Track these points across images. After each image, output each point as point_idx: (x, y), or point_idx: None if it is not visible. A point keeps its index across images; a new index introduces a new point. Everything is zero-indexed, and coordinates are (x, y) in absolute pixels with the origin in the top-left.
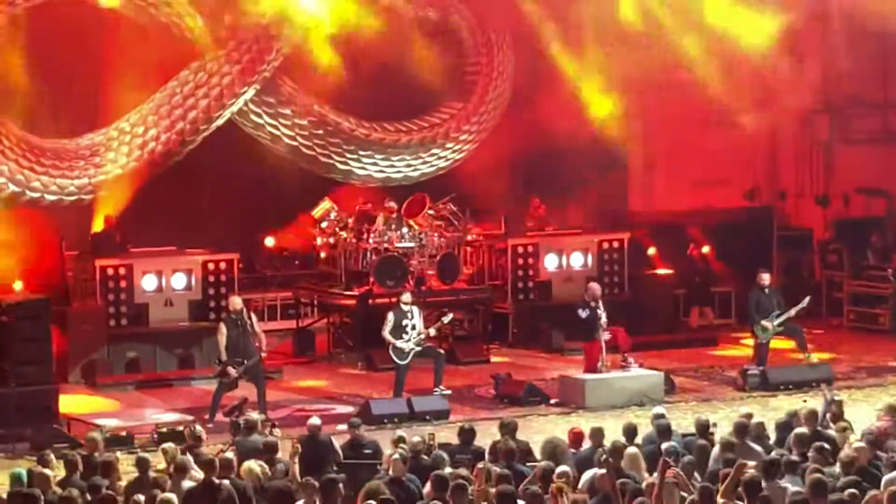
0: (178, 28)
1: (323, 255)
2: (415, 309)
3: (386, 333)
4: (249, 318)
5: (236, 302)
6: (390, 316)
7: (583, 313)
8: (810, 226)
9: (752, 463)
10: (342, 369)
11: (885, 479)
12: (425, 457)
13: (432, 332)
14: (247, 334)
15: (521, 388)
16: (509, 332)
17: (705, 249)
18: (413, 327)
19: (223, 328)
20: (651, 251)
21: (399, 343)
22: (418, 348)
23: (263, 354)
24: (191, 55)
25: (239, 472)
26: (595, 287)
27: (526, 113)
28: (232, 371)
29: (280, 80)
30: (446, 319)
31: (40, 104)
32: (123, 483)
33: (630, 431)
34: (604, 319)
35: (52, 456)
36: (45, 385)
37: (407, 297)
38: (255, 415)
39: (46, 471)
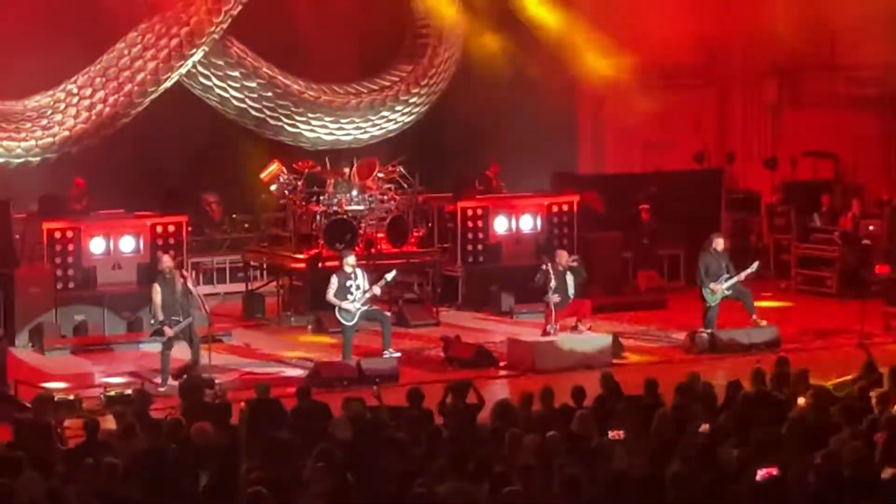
0: None
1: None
2: (358, 270)
3: (330, 296)
4: (183, 276)
5: (166, 260)
6: (334, 279)
7: (539, 278)
8: (758, 188)
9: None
10: (291, 332)
11: (833, 438)
12: (371, 417)
13: (377, 290)
14: (178, 293)
15: (470, 351)
16: (458, 294)
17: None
18: (358, 287)
19: (157, 287)
20: None
21: (345, 304)
22: (364, 308)
23: (206, 312)
24: (138, 17)
25: (187, 434)
26: (562, 253)
27: (477, 76)
28: (167, 330)
29: (228, 41)
30: (390, 276)
31: None
32: (70, 446)
33: (578, 394)
34: (553, 283)
35: None
36: None
37: (351, 259)
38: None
39: None
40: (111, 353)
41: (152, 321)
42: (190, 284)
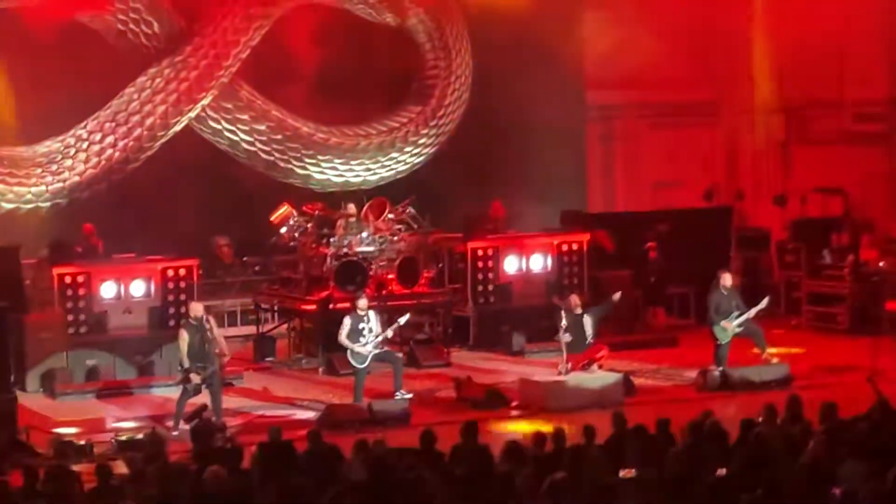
0: (135, 34)
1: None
2: (371, 313)
3: (342, 338)
4: (208, 322)
5: (197, 308)
6: (346, 321)
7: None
8: (768, 226)
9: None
10: (303, 374)
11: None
12: (386, 459)
13: (389, 333)
14: (207, 340)
15: (482, 392)
16: (470, 334)
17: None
18: (370, 330)
19: (184, 334)
20: None
21: (357, 347)
22: (376, 351)
23: (226, 358)
24: (148, 61)
25: (200, 479)
26: (573, 298)
27: (485, 116)
28: (195, 377)
29: (238, 85)
30: (402, 320)
31: None
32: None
33: (589, 433)
34: (563, 323)
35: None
36: (3, 394)
37: (363, 301)
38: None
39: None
40: (123, 397)
41: (179, 367)
42: (216, 331)
